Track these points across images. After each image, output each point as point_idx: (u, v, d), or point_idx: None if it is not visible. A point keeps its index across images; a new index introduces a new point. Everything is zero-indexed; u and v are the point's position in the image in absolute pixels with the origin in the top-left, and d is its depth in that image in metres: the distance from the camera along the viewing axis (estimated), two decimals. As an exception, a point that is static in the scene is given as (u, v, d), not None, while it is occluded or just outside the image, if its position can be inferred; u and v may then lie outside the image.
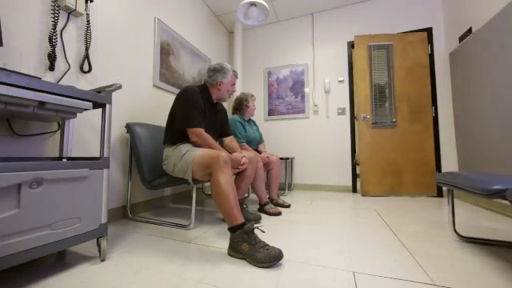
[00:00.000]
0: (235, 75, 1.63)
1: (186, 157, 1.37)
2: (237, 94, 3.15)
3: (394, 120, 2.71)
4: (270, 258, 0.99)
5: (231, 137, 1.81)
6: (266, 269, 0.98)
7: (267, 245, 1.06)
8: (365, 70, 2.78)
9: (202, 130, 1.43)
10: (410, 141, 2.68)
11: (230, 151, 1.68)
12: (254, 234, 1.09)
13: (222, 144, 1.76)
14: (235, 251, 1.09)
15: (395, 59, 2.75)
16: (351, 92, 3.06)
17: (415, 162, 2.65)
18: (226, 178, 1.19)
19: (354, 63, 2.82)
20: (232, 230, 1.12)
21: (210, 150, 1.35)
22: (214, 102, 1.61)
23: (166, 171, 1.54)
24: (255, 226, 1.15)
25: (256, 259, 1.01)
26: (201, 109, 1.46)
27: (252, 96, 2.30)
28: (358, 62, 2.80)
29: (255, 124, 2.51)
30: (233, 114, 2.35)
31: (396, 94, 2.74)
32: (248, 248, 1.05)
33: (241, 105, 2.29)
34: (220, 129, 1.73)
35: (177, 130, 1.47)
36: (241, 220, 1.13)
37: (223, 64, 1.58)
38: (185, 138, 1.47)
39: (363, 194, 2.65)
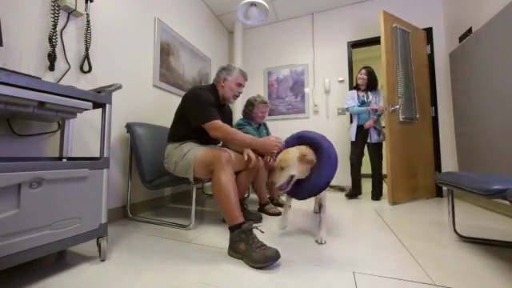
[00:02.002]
0: (242, 75, 1.58)
1: (188, 156, 1.37)
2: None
3: (417, 116, 2.50)
4: (265, 259, 0.98)
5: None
6: (262, 269, 0.97)
7: (264, 245, 1.05)
8: (392, 53, 2.41)
9: (218, 122, 1.36)
10: (421, 140, 2.57)
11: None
12: (252, 233, 1.09)
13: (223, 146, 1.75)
14: (234, 251, 1.09)
15: (412, 51, 2.55)
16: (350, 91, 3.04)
17: (424, 163, 2.55)
18: (227, 177, 1.18)
19: (382, 42, 2.37)
20: (231, 229, 1.13)
21: (212, 149, 1.34)
22: (221, 102, 1.59)
23: (167, 170, 1.54)
24: (254, 226, 1.14)
25: (252, 259, 1.00)
26: (213, 104, 1.42)
27: (262, 103, 2.12)
28: (387, 43, 2.38)
29: (266, 127, 2.39)
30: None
31: (416, 89, 2.54)
32: (245, 248, 1.04)
33: (246, 109, 2.19)
34: None
35: (181, 129, 1.47)
36: (241, 220, 1.13)
37: (232, 64, 1.59)
38: (188, 137, 1.47)
39: (393, 203, 2.23)
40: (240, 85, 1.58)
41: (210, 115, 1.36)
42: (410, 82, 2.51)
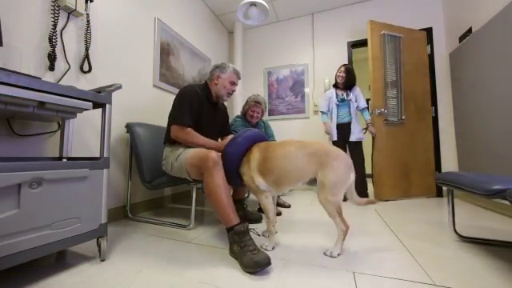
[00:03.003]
0: (236, 73, 1.58)
1: (181, 157, 1.37)
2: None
3: (403, 117, 2.56)
4: (253, 264, 0.94)
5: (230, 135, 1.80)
6: (253, 274, 0.94)
7: (256, 249, 1.01)
8: (380, 60, 2.55)
9: (183, 127, 1.38)
10: (415, 140, 2.60)
11: None
12: (245, 235, 1.06)
13: None
14: (231, 251, 1.09)
15: (404, 54, 2.63)
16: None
17: (419, 163, 2.59)
18: (215, 180, 1.16)
19: (369, 50, 2.53)
20: (227, 230, 1.12)
21: (200, 150, 1.31)
22: (214, 100, 1.59)
23: (165, 171, 1.54)
24: (251, 228, 1.14)
25: (242, 262, 0.98)
26: (194, 107, 1.43)
27: (253, 102, 2.08)
28: (374, 50, 2.54)
29: (265, 127, 2.36)
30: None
31: (404, 91, 2.61)
32: (238, 250, 1.04)
33: (243, 106, 2.22)
34: (221, 129, 1.73)
35: None
36: (235, 221, 1.11)
37: (225, 62, 1.59)
38: None
39: (378, 199, 2.38)
40: (233, 83, 1.57)
41: (178, 119, 1.39)
42: (398, 85, 2.60)
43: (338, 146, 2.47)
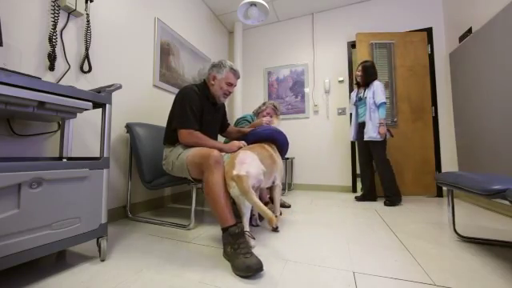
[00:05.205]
0: (233, 73, 1.52)
1: (182, 156, 1.37)
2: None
3: (395, 119, 2.68)
4: (245, 268, 0.91)
5: (230, 126, 1.83)
6: (245, 278, 0.90)
7: (249, 252, 0.98)
8: None
9: (191, 131, 1.39)
10: (411, 141, 2.67)
11: (234, 136, 1.76)
12: (240, 238, 1.05)
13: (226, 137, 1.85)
14: (224, 253, 1.08)
15: (397, 58, 2.73)
16: (351, 92, 3.06)
17: (416, 162, 2.64)
18: (216, 179, 1.16)
19: (356, 61, 2.63)
20: (222, 231, 1.12)
21: (202, 148, 1.31)
22: (213, 100, 1.56)
23: (166, 171, 1.54)
24: (245, 230, 1.13)
25: (234, 265, 0.96)
26: (196, 109, 1.42)
27: (272, 105, 2.21)
28: (360, 61, 2.56)
29: None
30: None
31: (397, 93, 2.71)
32: (231, 252, 1.02)
33: (260, 105, 2.32)
34: (220, 126, 1.73)
35: (175, 130, 1.47)
36: (230, 222, 1.10)
37: (223, 60, 1.54)
38: None
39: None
40: (230, 84, 1.51)
41: (185, 123, 1.39)
42: (391, 88, 2.73)
43: (359, 147, 2.48)
